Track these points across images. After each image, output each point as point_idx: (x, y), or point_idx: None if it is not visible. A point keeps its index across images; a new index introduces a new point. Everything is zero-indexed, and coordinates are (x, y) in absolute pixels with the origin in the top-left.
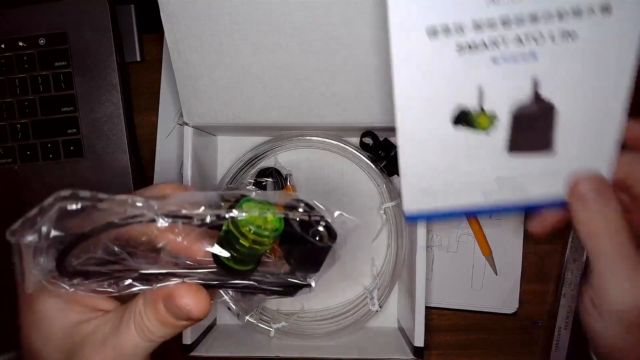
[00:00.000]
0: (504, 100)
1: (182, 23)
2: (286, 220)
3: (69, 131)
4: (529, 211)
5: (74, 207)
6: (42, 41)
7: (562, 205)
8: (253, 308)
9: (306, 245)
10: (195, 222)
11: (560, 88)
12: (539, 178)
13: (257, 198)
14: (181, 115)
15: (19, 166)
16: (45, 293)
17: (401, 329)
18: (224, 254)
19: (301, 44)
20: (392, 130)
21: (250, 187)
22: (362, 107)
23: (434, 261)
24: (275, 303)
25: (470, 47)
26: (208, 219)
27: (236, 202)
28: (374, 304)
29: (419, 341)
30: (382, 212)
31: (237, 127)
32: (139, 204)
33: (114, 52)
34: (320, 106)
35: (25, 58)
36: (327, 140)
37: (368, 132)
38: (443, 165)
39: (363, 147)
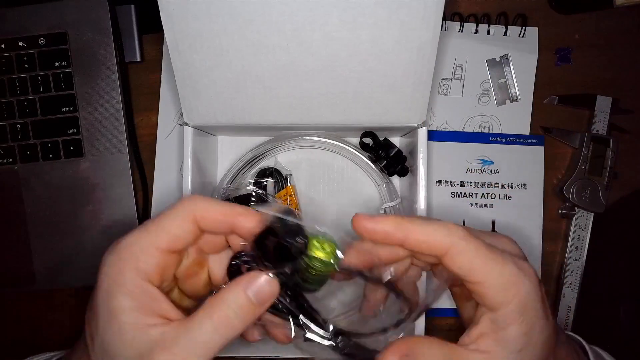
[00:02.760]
0: None
1: (182, 23)
2: None
3: (69, 131)
4: None
5: None
6: (42, 41)
7: None
8: None
9: None
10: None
11: (506, 227)
12: None
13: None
14: (181, 115)
15: (19, 166)
16: (122, 290)
17: None
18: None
19: (301, 44)
20: (392, 130)
21: (251, 187)
22: (362, 107)
23: None
24: None
25: (458, 194)
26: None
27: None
28: None
29: None
30: (382, 212)
31: (237, 127)
32: None
33: (114, 52)
34: (320, 106)
35: (25, 58)
36: (327, 140)
37: (368, 132)
38: None
39: (363, 147)
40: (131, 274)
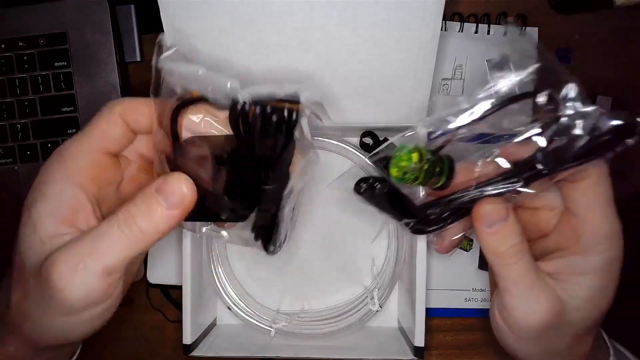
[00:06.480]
0: None
1: (182, 23)
2: None
3: (69, 131)
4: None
5: None
6: (42, 41)
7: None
8: None
9: None
10: None
11: None
12: None
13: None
14: None
15: (19, 166)
16: (44, 196)
17: (401, 329)
18: None
19: (301, 44)
20: (392, 130)
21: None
22: (362, 107)
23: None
24: (275, 303)
25: None
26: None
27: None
28: (374, 304)
29: (419, 341)
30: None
31: None
32: None
33: (114, 52)
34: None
35: (25, 58)
36: (327, 140)
37: (368, 132)
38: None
39: (363, 147)
40: (57, 181)
